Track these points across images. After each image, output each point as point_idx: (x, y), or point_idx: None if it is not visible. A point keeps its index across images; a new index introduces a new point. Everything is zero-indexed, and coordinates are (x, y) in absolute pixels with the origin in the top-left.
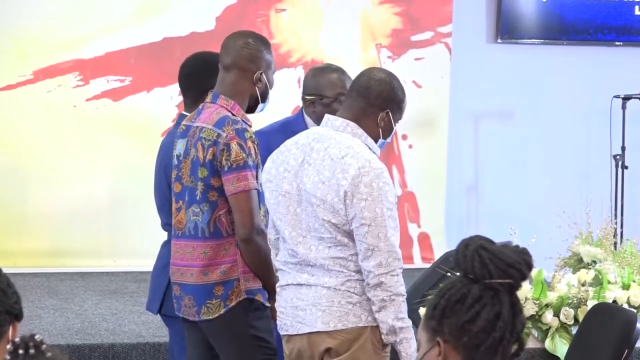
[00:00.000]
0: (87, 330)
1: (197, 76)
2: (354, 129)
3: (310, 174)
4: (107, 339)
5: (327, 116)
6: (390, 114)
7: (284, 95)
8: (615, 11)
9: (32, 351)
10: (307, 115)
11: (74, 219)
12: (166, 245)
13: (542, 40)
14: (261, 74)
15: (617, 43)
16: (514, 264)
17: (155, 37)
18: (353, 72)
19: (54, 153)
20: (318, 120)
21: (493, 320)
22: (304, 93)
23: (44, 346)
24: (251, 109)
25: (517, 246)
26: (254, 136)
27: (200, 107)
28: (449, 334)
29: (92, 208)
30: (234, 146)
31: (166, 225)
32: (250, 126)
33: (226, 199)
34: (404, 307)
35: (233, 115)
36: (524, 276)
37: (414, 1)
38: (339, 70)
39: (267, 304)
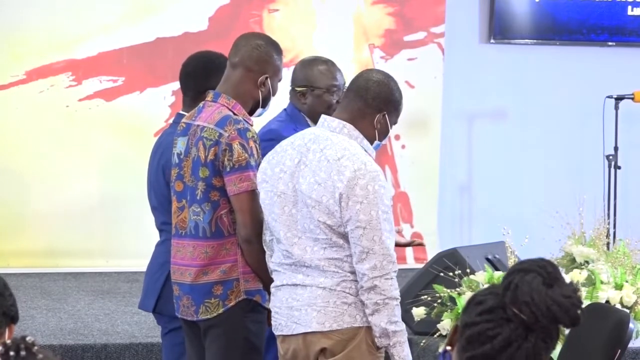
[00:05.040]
0: (80, 331)
1: (198, 76)
2: (351, 131)
3: (306, 175)
4: (100, 339)
5: (323, 117)
6: (387, 115)
7: (277, 95)
8: (608, 11)
9: (23, 353)
10: (298, 107)
11: (66, 219)
12: (162, 245)
13: (535, 41)
14: (266, 78)
15: (610, 43)
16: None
17: (148, 37)
18: (346, 73)
19: (46, 153)
20: (309, 112)
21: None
22: (294, 84)
23: (35, 348)
24: (250, 113)
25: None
26: (256, 136)
27: (200, 105)
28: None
29: (85, 208)
30: (236, 146)
31: (163, 224)
32: (251, 125)
33: (228, 198)
34: (398, 311)
35: (234, 114)
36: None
37: (407, 1)
38: (329, 62)
39: (265, 306)
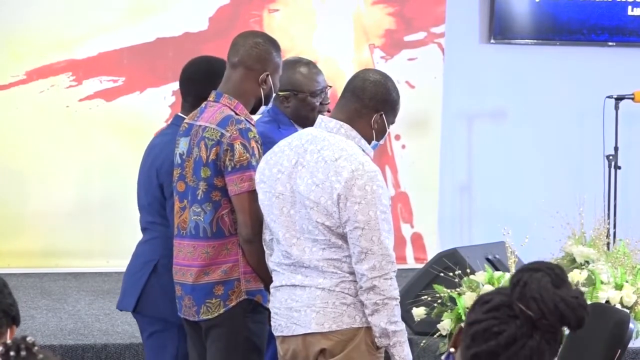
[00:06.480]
0: (80, 331)
1: (198, 81)
2: (348, 131)
3: (304, 176)
4: (100, 339)
5: (320, 117)
6: (384, 115)
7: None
8: (609, 11)
9: (23, 353)
10: (281, 110)
11: (67, 219)
12: (145, 244)
13: (535, 41)
14: (267, 75)
15: (610, 43)
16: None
17: (148, 38)
18: (346, 73)
19: (46, 153)
20: (293, 115)
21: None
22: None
23: (35, 348)
24: (253, 111)
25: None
26: (257, 136)
27: (203, 105)
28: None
29: (85, 208)
30: (238, 146)
31: (149, 223)
32: (253, 125)
33: (229, 198)
34: (397, 311)
35: (237, 114)
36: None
37: (407, 1)
38: (310, 64)
39: (267, 306)
